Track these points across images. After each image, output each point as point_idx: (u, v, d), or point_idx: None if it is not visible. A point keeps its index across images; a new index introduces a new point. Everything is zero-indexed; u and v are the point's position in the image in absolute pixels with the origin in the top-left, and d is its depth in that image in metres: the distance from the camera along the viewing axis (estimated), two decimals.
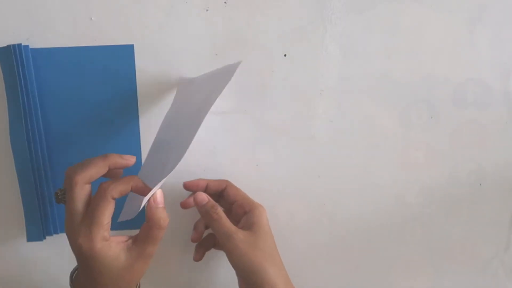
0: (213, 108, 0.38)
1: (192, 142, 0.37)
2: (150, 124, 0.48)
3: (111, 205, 0.37)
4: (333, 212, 0.51)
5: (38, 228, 0.47)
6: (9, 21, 0.47)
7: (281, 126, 0.49)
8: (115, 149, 0.48)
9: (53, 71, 0.46)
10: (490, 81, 0.50)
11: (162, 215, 0.39)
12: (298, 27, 0.48)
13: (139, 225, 0.40)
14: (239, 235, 0.42)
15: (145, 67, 0.47)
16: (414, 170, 0.51)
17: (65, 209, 0.38)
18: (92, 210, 0.37)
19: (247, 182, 0.49)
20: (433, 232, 0.52)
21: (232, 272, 0.44)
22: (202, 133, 0.47)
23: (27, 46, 0.45)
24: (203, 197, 0.44)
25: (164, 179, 0.37)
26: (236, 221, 0.46)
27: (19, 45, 0.44)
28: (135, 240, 0.39)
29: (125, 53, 0.47)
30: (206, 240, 0.49)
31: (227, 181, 0.48)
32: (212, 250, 0.50)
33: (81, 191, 0.37)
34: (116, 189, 0.38)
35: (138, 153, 0.48)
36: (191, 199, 0.45)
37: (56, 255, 0.50)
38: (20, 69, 0.44)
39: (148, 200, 0.39)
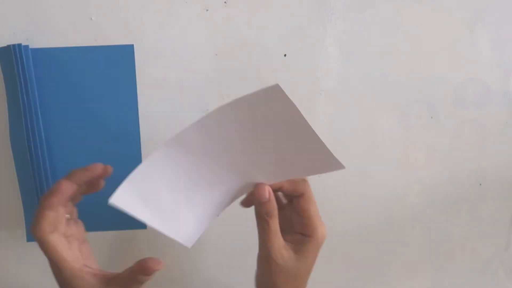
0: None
1: None
2: (149, 124, 0.48)
3: (53, 239, 0.37)
4: (333, 212, 0.51)
5: None
6: (9, 21, 0.47)
7: None
8: (114, 149, 0.48)
9: (53, 71, 0.46)
10: (490, 81, 0.50)
11: (159, 266, 0.37)
12: (298, 27, 0.48)
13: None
14: (279, 257, 0.39)
15: (144, 67, 0.47)
16: (414, 170, 0.51)
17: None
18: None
19: None
20: (433, 232, 0.52)
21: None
22: None
23: (27, 46, 0.45)
24: (265, 193, 0.38)
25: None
26: (289, 228, 0.41)
27: (19, 45, 0.44)
28: (112, 278, 0.37)
29: (125, 53, 0.47)
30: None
31: (305, 188, 0.40)
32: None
33: (51, 218, 0.36)
34: (43, 217, 0.36)
35: (138, 153, 0.48)
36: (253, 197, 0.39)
37: None
38: (20, 69, 0.44)
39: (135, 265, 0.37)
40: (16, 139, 0.46)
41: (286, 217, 0.40)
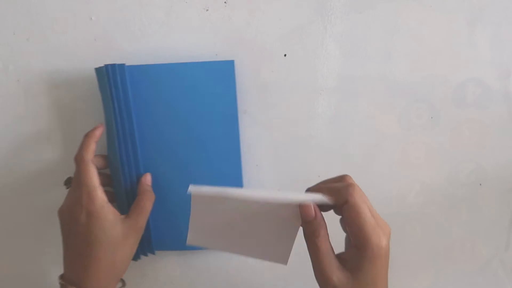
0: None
1: None
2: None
3: (92, 167, 0.41)
4: (333, 212, 0.51)
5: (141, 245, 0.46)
6: (9, 21, 0.47)
7: (281, 126, 0.49)
8: (214, 168, 0.47)
9: (149, 88, 0.45)
10: (490, 81, 0.50)
11: (150, 189, 0.45)
12: (298, 27, 0.48)
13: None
14: (334, 279, 0.35)
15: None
16: (414, 170, 0.51)
17: (69, 189, 0.43)
18: (80, 178, 0.41)
19: (248, 182, 0.49)
20: (433, 232, 0.52)
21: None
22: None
23: (123, 64, 0.44)
24: (310, 211, 0.36)
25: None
26: (348, 243, 0.39)
27: (119, 64, 0.44)
28: (127, 215, 0.43)
29: (225, 68, 0.45)
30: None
31: (347, 194, 0.36)
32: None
33: (93, 168, 0.42)
34: (86, 150, 0.42)
35: (239, 174, 0.47)
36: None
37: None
38: (116, 88, 0.44)
39: (140, 179, 0.45)
40: (112, 156, 0.46)
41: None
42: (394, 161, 0.51)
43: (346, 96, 0.49)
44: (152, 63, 0.47)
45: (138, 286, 0.51)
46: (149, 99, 0.46)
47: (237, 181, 0.47)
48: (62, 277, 0.41)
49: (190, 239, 0.40)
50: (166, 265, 0.51)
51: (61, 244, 0.42)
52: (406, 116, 0.50)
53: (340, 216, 0.39)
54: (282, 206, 0.38)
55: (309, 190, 0.39)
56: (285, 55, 0.48)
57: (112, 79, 0.44)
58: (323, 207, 0.38)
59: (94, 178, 0.41)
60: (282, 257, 0.39)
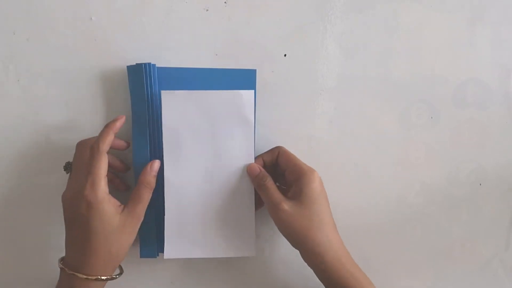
0: None
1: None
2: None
3: (104, 158, 0.42)
4: (333, 212, 0.51)
5: (152, 245, 0.48)
6: (9, 21, 0.47)
7: (281, 126, 0.49)
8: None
9: (175, 89, 0.46)
10: (490, 81, 0.50)
11: (153, 180, 0.44)
12: (298, 27, 0.48)
13: None
14: (283, 205, 0.43)
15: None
16: (414, 170, 0.51)
17: (70, 174, 0.43)
18: (89, 166, 0.41)
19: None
20: (433, 232, 0.52)
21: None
22: None
23: (154, 65, 0.45)
24: (255, 168, 0.46)
25: None
26: (289, 188, 0.45)
27: (149, 64, 0.45)
28: (126, 205, 0.43)
29: (248, 76, 0.47)
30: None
31: (279, 148, 0.47)
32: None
33: (105, 159, 0.42)
34: (103, 140, 0.42)
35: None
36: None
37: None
38: (148, 86, 0.45)
39: (145, 166, 0.44)
40: (137, 156, 0.47)
41: (281, 180, 0.46)
42: (394, 161, 0.51)
43: (346, 96, 0.49)
44: (152, 63, 0.47)
45: (138, 286, 0.51)
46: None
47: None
48: (62, 259, 0.43)
49: (168, 253, 0.47)
50: (166, 266, 0.51)
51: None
52: (406, 116, 0.50)
53: None
54: (238, 192, 0.46)
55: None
56: (285, 55, 0.48)
57: (144, 76, 0.45)
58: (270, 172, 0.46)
59: (103, 168, 0.41)
60: (249, 249, 0.47)
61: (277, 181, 0.47)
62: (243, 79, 0.47)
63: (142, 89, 0.45)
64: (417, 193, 0.52)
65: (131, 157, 0.48)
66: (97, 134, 0.44)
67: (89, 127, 0.48)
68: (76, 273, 0.41)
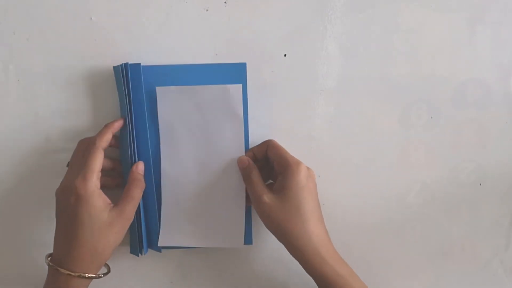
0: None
1: None
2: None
3: (100, 154, 0.42)
4: (333, 212, 0.51)
5: (135, 243, 0.48)
6: (9, 21, 0.47)
7: (281, 126, 0.49)
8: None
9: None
10: (490, 81, 0.50)
11: (141, 178, 0.45)
12: (298, 27, 0.48)
13: None
14: (263, 198, 0.43)
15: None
16: (414, 170, 0.51)
17: (81, 168, 0.43)
18: (85, 159, 0.42)
19: None
20: (433, 232, 0.52)
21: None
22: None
23: (139, 64, 0.45)
24: (244, 160, 0.47)
25: None
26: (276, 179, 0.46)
27: (126, 64, 0.45)
28: (116, 204, 0.43)
29: (237, 70, 0.47)
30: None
31: (269, 141, 0.47)
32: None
33: (100, 154, 0.43)
34: (101, 137, 0.43)
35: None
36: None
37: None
38: (131, 85, 0.45)
39: (132, 167, 0.45)
40: (123, 154, 0.47)
41: (271, 173, 0.47)
42: (394, 161, 0.51)
43: (346, 96, 0.49)
44: (152, 63, 0.47)
45: (138, 286, 0.51)
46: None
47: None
48: (50, 255, 0.43)
49: (162, 240, 0.48)
50: (166, 265, 0.51)
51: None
52: (406, 116, 0.50)
53: None
54: (230, 186, 0.48)
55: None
56: (285, 55, 0.48)
57: (129, 77, 0.45)
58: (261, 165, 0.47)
59: (97, 163, 0.42)
60: (237, 241, 0.48)
61: (270, 176, 0.48)
62: (233, 73, 0.47)
63: (126, 89, 0.45)
64: (417, 193, 0.52)
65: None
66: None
67: (89, 127, 0.48)
68: (59, 268, 0.40)
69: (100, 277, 0.43)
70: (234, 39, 0.48)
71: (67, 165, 0.46)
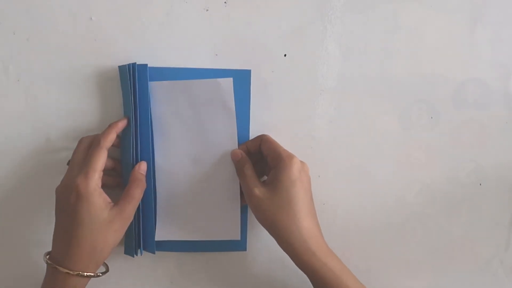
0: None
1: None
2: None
3: (104, 153, 0.42)
4: (333, 212, 0.51)
5: (131, 244, 0.48)
6: (9, 22, 0.47)
7: (281, 126, 0.49)
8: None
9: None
10: (490, 81, 0.50)
11: (142, 178, 0.45)
12: (298, 27, 0.48)
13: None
14: (255, 191, 0.43)
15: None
16: (414, 170, 0.51)
17: (68, 168, 0.43)
18: (88, 157, 0.42)
19: None
20: (433, 232, 0.52)
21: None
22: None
23: (146, 65, 0.45)
24: (237, 153, 0.47)
25: None
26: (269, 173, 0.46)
27: (133, 64, 0.45)
28: (116, 203, 0.43)
29: (242, 77, 0.47)
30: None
31: (263, 135, 0.47)
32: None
33: (84, 149, 0.44)
34: (105, 136, 0.43)
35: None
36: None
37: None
38: (138, 85, 0.45)
39: (134, 167, 0.45)
40: (124, 154, 0.47)
41: (265, 167, 0.47)
42: (394, 161, 0.51)
43: (346, 96, 0.49)
44: (152, 63, 0.47)
45: (138, 286, 0.51)
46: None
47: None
48: (48, 253, 0.43)
49: (159, 234, 0.48)
50: (166, 265, 0.51)
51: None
52: (406, 116, 0.50)
53: None
54: (224, 179, 0.48)
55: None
56: (285, 55, 0.48)
57: (136, 77, 0.45)
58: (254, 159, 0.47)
59: (100, 162, 0.42)
60: (234, 233, 0.49)
61: (263, 171, 0.48)
62: (238, 79, 0.47)
63: (129, 89, 0.45)
64: (417, 193, 0.52)
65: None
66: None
67: (89, 127, 0.48)
68: (58, 267, 0.40)
69: (99, 275, 0.43)
70: (234, 39, 0.48)
71: (68, 164, 0.46)
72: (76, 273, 0.40)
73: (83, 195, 0.40)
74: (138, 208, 0.47)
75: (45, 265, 0.42)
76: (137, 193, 0.44)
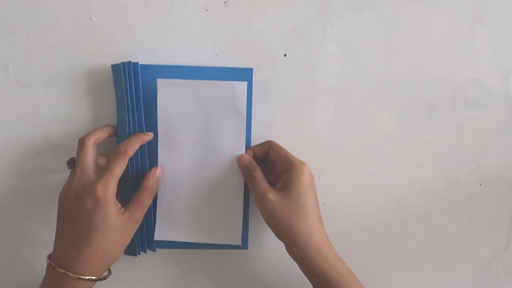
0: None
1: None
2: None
3: (125, 162, 0.43)
4: (333, 212, 0.51)
5: (133, 243, 0.48)
6: (9, 22, 0.47)
7: (281, 126, 0.49)
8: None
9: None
10: (490, 81, 0.50)
11: (155, 185, 0.45)
12: (298, 27, 0.48)
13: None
14: (268, 195, 0.43)
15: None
16: (414, 170, 0.51)
17: (76, 169, 0.43)
18: (108, 163, 0.42)
19: None
20: (433, 232, 0.52)
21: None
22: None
23: (137, 63, 0.45)
24: (245, 159, 0.47)
25: None
26: (278, 179, 0.46)
27: (130, 62, 0.45)
28: (126, 208, 0.43)
29: (244, 75, 0.47)
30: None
31: (270, 141, 0.48)
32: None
33: (91, 149, 0.43)
34: (130, 147, 0.43)
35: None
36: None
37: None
38: (130, 83, 0.45)
39: (149, 171, 0.46)
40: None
41: (272, 173, 0.47)
42: (394, 161, 0.51)
43: (346, 96, 0.49)
44: (152, 63, 0.47)
45: (138, 286, 0.51)
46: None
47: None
48: (50, 257, 0.42)
49: (158, 234, 0.48)
50: (166, 265, 0.51)
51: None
52: (406, 116, 0.50)
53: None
54: (228, 183, 0.48)
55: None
56: (285, 55, 0.48)
57: (127, 75, 0.45)
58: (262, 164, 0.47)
59: (120, 171, 0.42)
60: (235, 238, 0.49)
61: (267, 175, 0.48)
62: (239, 78, 0.47)
63: (122, 88, 0.45)
64: (417, 193, 0.52)
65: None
66: None
67: (90, 126, 0.48)
68: (68, 272, 0.40)
69: (106, 278, 0.43)
70: (234, 39, 0.48)
71: (68, 164, 0.46)
72: (88, 277, 0.40)
73: (101, 202, 0.40)
74: None
75: (44, 265, 0.42)
76: (147, 200, 0.44)
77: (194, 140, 0.47)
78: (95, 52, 0.47)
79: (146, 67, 0.46)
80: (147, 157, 0.47)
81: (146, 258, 0.50)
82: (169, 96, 0.46)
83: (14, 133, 0.48)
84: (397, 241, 0.52)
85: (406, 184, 0.51)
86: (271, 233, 0.45)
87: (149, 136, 0.46)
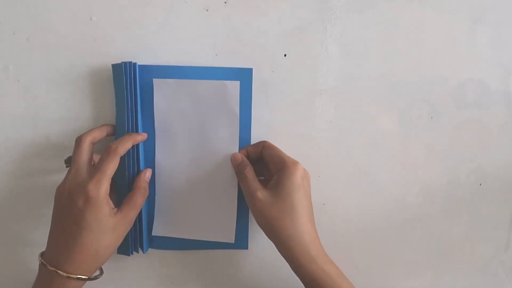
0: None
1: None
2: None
3: (118, 160, 0.43)
4: (333, 212, 0.51)
5: (126, 243, 0.48)
6: (9, 22, 0.47)
7: (281, 126, 0.49)
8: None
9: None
10: (490, 81, 0.50)
11: (147, 186, 0.46)
12: (298, 27, 0.48)
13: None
14: (258, 194, 0.44)
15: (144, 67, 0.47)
16: (414, 170, 0.51)
17: (71, 168, 0.43)
18: (100, 163, 0.42)
19: None
20: (433, 232, 0.52)
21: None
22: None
23: (135, 63, 0.46)
24: (238, 157, 0.47)
25: None
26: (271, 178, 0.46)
27: (131, 62, 0.45)
28: (119, 208, 0.43)
29: (244, 75, 0.47)
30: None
31: (264, 141, 0.48)
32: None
33: (87, 148, 0.43)
34: (121, 146, 0.43)
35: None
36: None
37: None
38: (129, 83, 0.46)
39: (139, 173, 0.46)
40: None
41: (265, 172, 0.47)
42: (394, 161, 0.51)
43: (346, 96, 0.49)
44: (152, 63, 0.47)
45: (138, 286, 0.51)
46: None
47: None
48: (42, 254, 0.42)
49: (156, 230, 0.49)
50: (166, 265, 0.51)
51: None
52: (406, 116, 0.50)
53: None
54: (222, 182, 0.48)
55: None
56: (285, 55, 0.48)
57: (128, 75, 0.45)
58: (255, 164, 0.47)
59: (112, 169, 0.42)
60: (229, 236, 0.49)
61: (261, 175, 0.48)
62: (239, 78, 0.47)
63: (122, 87, 0.46)
64: (417, 193, 0.52)
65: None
66: None
67: (90, 126, 0.48)
68: (57, 270, 0.40)
69: (97, 278, 0.43)
70: (234, 39, 0.48)
71: (65, 162, 0.46)
72: (76, 276, 0.40)
73: (93, 201, 0.40)
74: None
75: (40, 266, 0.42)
76: (140, 201, 0.44)
77: (189, 138, 0.48)
78: (95, 52, 0.47)
79: (146, 67, 0.46)
80: (144, 157, 0.47)
81: (146, 258, 0.50)
82: (165, 95, 0.47)
83: (14, 133, 0.48)
84: (397, 241, 0.52)
85: (406, 184, 0.51)
86: None
87: (142, 136, 0.46)
